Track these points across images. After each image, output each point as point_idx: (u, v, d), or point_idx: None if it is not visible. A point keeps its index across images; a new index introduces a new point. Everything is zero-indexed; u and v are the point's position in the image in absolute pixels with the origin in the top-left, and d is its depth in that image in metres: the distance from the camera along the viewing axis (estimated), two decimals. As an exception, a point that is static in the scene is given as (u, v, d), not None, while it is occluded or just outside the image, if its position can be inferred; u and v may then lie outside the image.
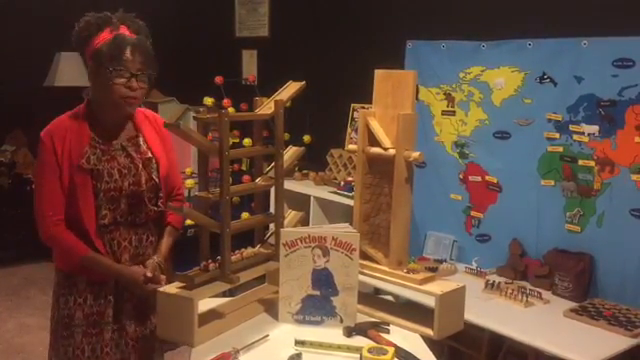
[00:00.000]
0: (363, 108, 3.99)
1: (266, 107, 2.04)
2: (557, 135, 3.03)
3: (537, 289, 2.90)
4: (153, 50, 1.98)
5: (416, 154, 1.89)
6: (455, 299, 1.91)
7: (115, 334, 2.01)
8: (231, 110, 4.22)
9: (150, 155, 2.05)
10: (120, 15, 1.97)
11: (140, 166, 2.01)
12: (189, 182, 4.06)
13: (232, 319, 1.94)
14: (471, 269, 3.18)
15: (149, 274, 1.96)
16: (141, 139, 2.05)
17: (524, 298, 2.76)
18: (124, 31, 1.93)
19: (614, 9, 2.91)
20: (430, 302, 1.88)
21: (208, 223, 1.86)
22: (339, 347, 1.74)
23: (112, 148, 1.99)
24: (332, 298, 1.90)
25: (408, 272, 1.95)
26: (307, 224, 3.80)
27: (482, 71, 3.30)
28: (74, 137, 1.93)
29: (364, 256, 2.02)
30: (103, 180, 1.94)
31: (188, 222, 3.99)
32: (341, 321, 1.91)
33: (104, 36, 1.91)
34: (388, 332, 1.88)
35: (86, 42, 1.93)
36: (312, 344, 1.75)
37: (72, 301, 2.00)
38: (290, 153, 2.13)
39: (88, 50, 1.93)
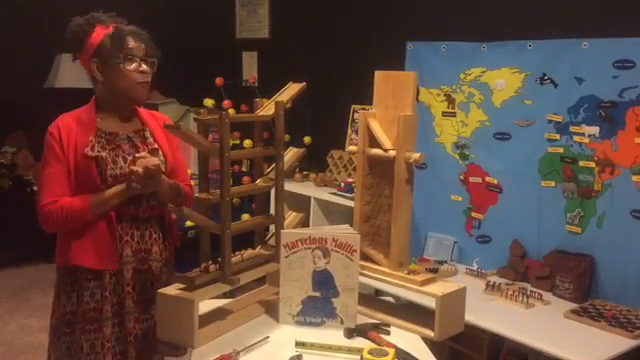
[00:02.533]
0: (363, 109, 4.01)
1: (266, 108, 2.04)
2: (557, 136, 3.03)
3: (538, 290, 2.90)
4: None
5: (417, 155, 1.89)
6: (456, 300, 1.91)
7: (116, 328, 2.02)
8: (231, 111, 4.23)
9: (157, 146, 2.08)
10: (106, 15, 2.02)
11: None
12: (189, 183, 4.06)
13: (232, 320, 1.95)
14: (472, 270, 3.18)
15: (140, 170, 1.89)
16: (147, 133, 2.10)
17: (525, 299, 2.76)
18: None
19: (614, 10, 2.91)
20: (431, 303, 1.88)
21: (208, 224, 1.86)
22: (339, 348, 1.74)
23: (118, 138, 2.03)
24: (332, 299, 1.90)
25: (409, 273, 1.95)
26: (307, 225, 3.82)
27: (482, 72, 3.30)
28: (80, 129, 1.99)
29: (364, 257, 2.02)
30: (107, 167, 1.97)
31: (189, 223, 4.00)
32: (342, 322, 1.91)
33: (99, 33, 1.98)
34: (389, 333, 1.88)
35: (82, 44, 1.99)
36: (313, 345, 1.75)
37: (74, 297, 2.01)
38: (290, 154, 2.13)
39: (87, 51, 1.99)
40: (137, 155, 1.95)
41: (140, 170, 1.87)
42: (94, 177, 1.96)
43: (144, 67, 2.00)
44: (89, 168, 1.96)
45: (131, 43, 1.97)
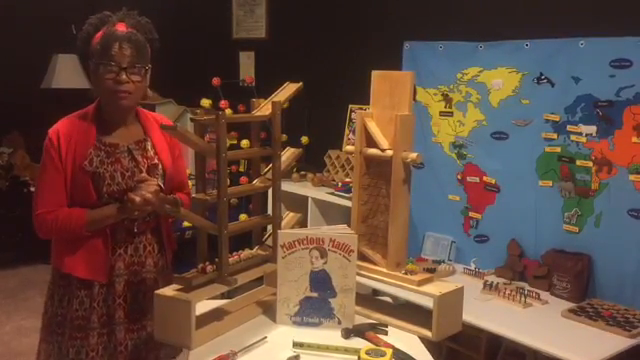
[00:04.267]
0: (361, 109, 4.01)
1: (264, 108, 2.03)
2: (555, 135, 3.04)
3: (535, 290, 2.90)
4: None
5: (414, 155, 1.89)
6: (453, 300, 1.90)
7: (104, 338, 1.99)
8: (228, 112, 4.22)
9: (156, 161, 2.04)
10: (120, 14, 1.96)
11: (144, 171, 2.00)
12: (187, 184, 4.05)
13: (230, 321, 1.94)
14: (469, 270, 3.18)
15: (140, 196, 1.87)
16: (149, 144, 2.04)
17: (522, 299, 2.76)
18: (120, 28, 1.91)
19: (611, 9, 2.92)
20: (428, 303, 1.88)
21: (205, 225, 1.85)
22: (337, 349, 1.74)
23: (118, 151, 1.98)
24: (330, 300, 1.90)
25: (406, 273, 1.94)
26: (305, 225, 3.82)
27: (480, 72, 3.30)
28: (80, 137, 1.94)
29: (362, 257, 2.02)
30: (105, 183, 1.93)
31: (186, 224, 4.00)
32: (339, 323, 1.90)
33: (99, 35, 1.91)
34: (386, 334, 1.88)
35: (86, 44, 1.94)
36: (310, 346, 1.74)
37: (65, 301, 2.00)
38: (288, 154, 2.12)
39: (88, 51, 1.93)
40: (135, 179, 1.92)
41: (137, 199, 1.86)
42: (90, 191, 1.92)
43: (123, 76, 1.87)
44: (85, 182, 1.92)
45: (115, 50, 1.86)
